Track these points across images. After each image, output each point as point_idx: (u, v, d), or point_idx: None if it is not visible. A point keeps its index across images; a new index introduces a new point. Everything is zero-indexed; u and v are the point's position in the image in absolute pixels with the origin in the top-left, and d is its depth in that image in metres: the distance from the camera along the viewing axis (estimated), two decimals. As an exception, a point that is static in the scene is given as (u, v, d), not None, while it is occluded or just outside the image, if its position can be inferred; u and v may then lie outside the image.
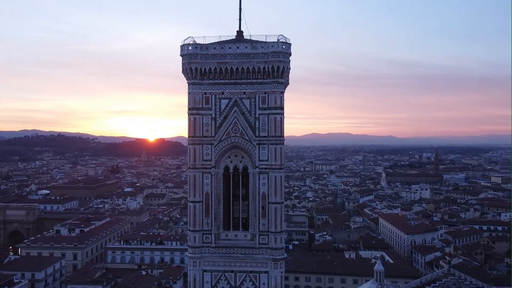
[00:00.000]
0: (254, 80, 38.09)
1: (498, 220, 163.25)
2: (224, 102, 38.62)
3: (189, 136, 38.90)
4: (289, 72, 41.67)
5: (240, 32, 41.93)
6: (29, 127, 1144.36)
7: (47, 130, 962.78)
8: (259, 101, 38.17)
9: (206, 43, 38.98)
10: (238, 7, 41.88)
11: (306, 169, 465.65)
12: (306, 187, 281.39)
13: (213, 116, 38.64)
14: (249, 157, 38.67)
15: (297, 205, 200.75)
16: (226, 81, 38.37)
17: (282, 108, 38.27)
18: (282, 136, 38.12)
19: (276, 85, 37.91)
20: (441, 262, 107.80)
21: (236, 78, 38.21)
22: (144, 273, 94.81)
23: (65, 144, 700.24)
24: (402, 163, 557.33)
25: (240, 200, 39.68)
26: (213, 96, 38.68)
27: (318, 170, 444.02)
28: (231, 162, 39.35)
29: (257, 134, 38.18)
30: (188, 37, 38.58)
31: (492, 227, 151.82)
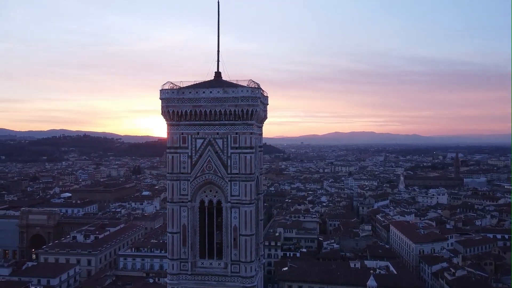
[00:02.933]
0: (226, 122, 41.32)
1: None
2: (199, 141, 42.01)
3: (168, 173, 42.46)
4: (262, 111, 44.82)
5: (218, 73, 45.29)
6: (57, 127, 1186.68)
7: (74, 129, 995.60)
8: (231, 141, 41.41)
9: (184, 86, 42.49)
10: (216, 49, 45.17)
11: (326, 170, 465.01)
12: (323, 190, 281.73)
13: (190, 154, 42.09)
14: (222, 192, 41.98)
15: (311, 210, 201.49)
16: (201, 122, 41.77)
17: (252, 147, 41.35)
18: (252, 173, 41.22)
19: (246, 126, 41.05)
20: (445, 274, 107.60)
21: (210, 119, 41.56)
22: (151, 281, 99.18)
23: (90, 144, 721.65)
24: (425, 164, 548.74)
25: (215, 229, 42.94)
26: (189, 136, 42.13)
27: (337, 172, 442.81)
28: (206, 196, 42.75)
29: (229, 171, 41.46)
30: (167, 82, 42.25)
31: (506, 236, 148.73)
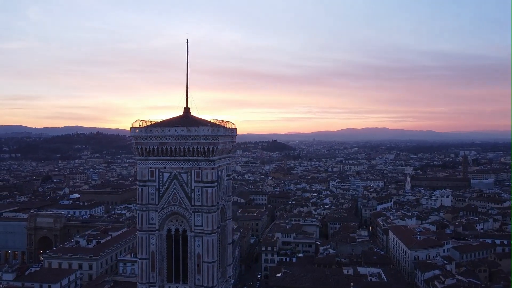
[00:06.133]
0: (190, 158, 44.73)
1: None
2: (166, 175, 45.53)
3: (138, 203, 46.08)
4: (229, 143, 48.15)
5: (187, 109, 48.66)
6: (72, 123, 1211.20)
7: (88, 126, 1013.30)
8: (194, 175, 44.83)
9: (152, 124, 46.00)
10: (186, 86, 48.46)
11: (334, 169, 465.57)
12: (328, 191, 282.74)
13: (157, 187, 45.69)
14: (187, 222, 45.45)
15: (313, 212, 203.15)
16: (167, 157, 45.29)
17: (213, 182, 44.69)
18: (213, 205, 44.59)
19: (208, 162, 44.39)
20: (435, 282, 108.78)
21: (175, 155, 45.05)
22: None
23: (103, 141, 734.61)
24: (435, 162, 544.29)
25: (181, 254, 46.37)
26: (157, 170, 45.70)
27: (345, 171, 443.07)
28: (173, 225, 46.34)
29: (192, 203, 44.94)
30: (136, 120, 45.86)
31: (505, 241, 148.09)
